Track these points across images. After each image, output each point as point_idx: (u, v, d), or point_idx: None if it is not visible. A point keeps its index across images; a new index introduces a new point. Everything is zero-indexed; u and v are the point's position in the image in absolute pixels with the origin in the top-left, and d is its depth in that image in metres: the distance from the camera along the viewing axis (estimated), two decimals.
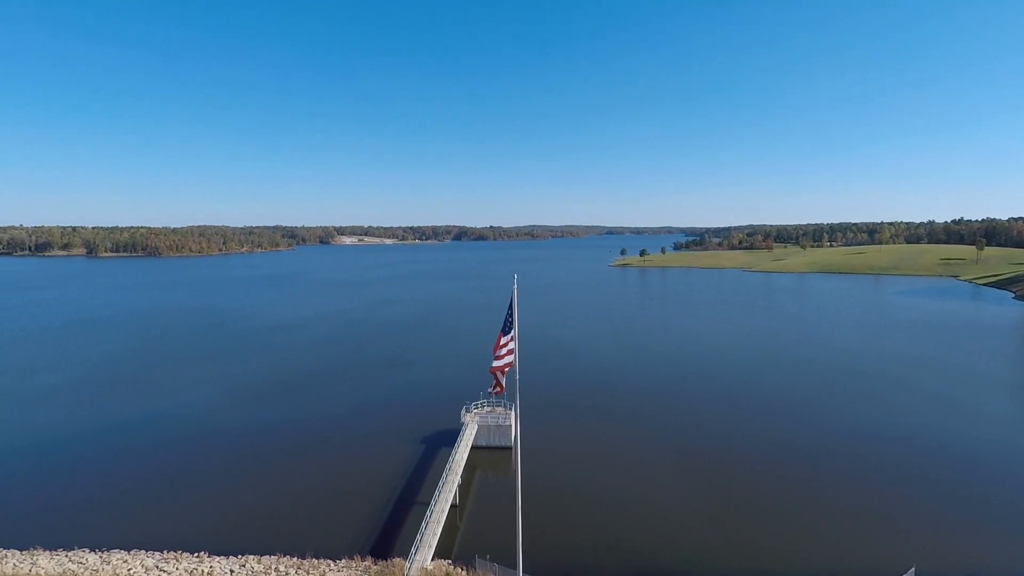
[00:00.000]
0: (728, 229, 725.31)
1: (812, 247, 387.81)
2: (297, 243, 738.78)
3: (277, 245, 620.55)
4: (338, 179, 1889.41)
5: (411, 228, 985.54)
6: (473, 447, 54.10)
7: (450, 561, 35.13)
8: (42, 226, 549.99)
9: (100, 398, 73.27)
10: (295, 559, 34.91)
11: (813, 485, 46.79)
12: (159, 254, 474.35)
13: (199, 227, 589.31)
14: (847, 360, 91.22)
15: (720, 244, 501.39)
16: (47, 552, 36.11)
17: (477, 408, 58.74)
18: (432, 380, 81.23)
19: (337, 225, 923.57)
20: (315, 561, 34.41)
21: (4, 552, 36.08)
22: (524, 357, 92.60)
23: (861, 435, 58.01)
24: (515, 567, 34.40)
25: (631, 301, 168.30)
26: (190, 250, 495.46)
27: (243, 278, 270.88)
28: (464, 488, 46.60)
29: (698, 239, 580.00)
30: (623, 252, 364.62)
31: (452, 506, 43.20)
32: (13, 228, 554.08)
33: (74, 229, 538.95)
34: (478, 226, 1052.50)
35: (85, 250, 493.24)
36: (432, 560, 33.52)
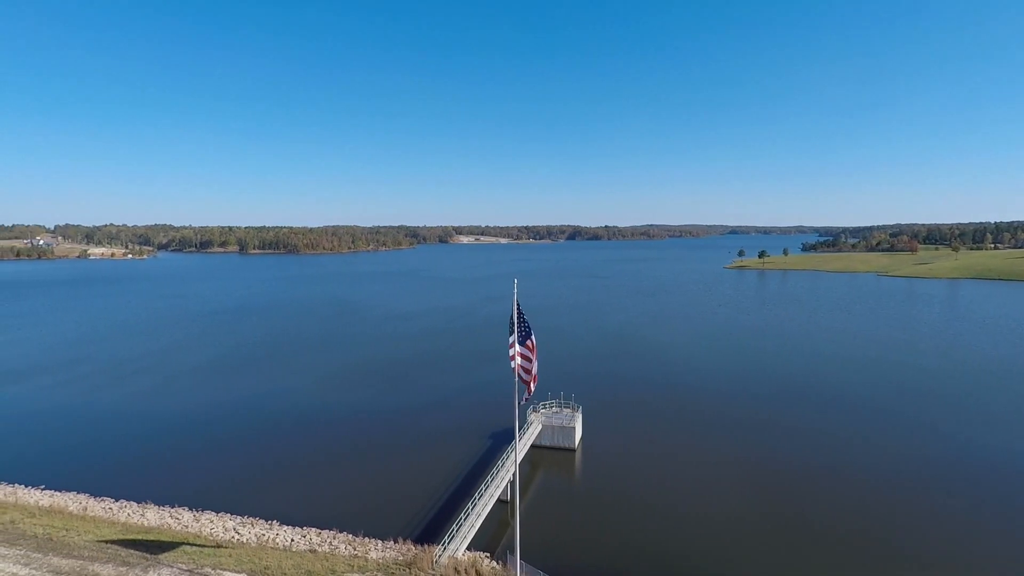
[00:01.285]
0: (868, 229, 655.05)
1: (971, 249, 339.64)
2: (418, 242, 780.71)
3: (399, 244, 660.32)
4: (457, 180, 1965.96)
5: (525, 228, 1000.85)
6: (537, 446, 55.00)
7: (487, 554, 36.25)
8: (206, 226, 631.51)
9: (222, 377, 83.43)
10: (348, 535, 37.98)
11: (916, 528, 41.94)
12: (297, 251, 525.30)
13: (332, 227, 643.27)
14: (986, 378, 79.68)
15: (855, 246, 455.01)
16: (155, 506, 42.41)
17: (545, 407, 59.33)
18: (500, 373, 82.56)
19: (455, 225, 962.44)
20: (364, 540, 37.22)
21: (123, 503, 42.94)
22: (611, 358, 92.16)
23: (995, 471, 50.74)
24: (551, 568, 34.86)
25: (737, 306, 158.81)
26: (323, 248, 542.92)
27: (367, 273, 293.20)
28: (522, 486, 47.45)
29: (831, 240, 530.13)
30: (741, 253, 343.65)
31: (502, 502, 44.38)
32: (184, 228, 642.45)
33: (230, 229, 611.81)
34: (592, 225, 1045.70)
35: (238, 247, 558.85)
36: (467, 551, 34.86)
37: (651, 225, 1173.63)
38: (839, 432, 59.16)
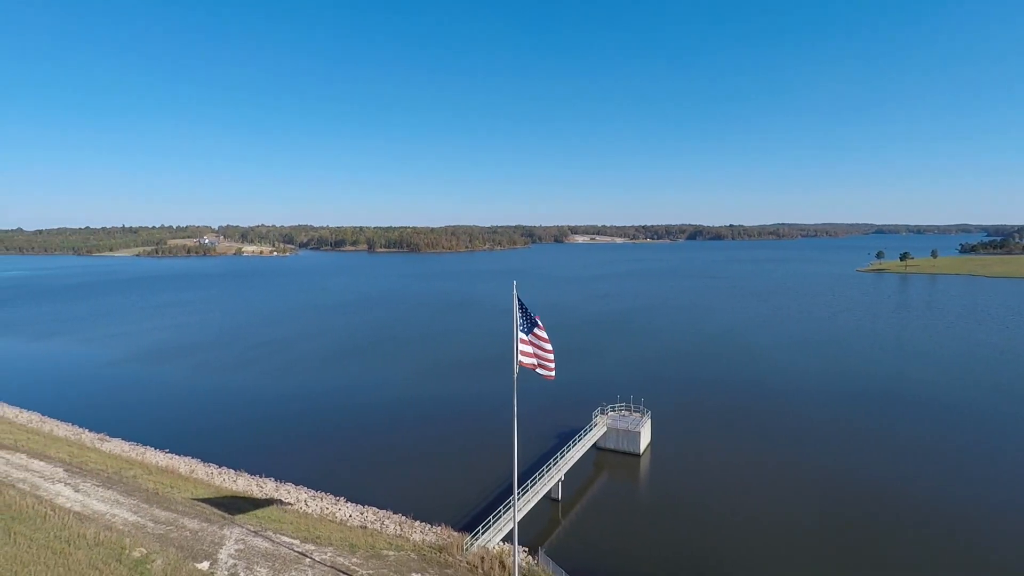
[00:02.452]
0: None
1: None
2: (533, 241, 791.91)
3: (514, 243, 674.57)
4: (572, 180, 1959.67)
5: (643, 227, 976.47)
6: (601, 448, 54.78)
7: (525, 549, 37.15)
8: (340, 227, 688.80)
9: (331, 364, 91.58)
10: (400, 517, 40.79)
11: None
12: (418, 250, 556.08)
13: (451, 227, 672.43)
14: None
15: None
16: (247, 474, 48.30)
17: (614, 410, 58.75)
18: (596, 374, 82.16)
19: (571, 224, 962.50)
20: (413, 522, 39.78)
21: (223, 469, 49.41)
22: (702, 362, 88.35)
23: None
24: (589, 571, 35.17)
25: (859, 312, 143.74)
26: (442, 247, 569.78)
27: (481, 271, 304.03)
28: (579, 488, 47.70)
29: (999, 240, 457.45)
30: (879, 255, 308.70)
31: (553, 500, 45.00)
32: (321, 228, 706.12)
33: (360, 229, 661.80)
34: (715, 225, 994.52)
35: (367, 246, 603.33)
36: (502, 543, 36.06)
37: (781, 224, 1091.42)
38: (951, 461, 52.37)
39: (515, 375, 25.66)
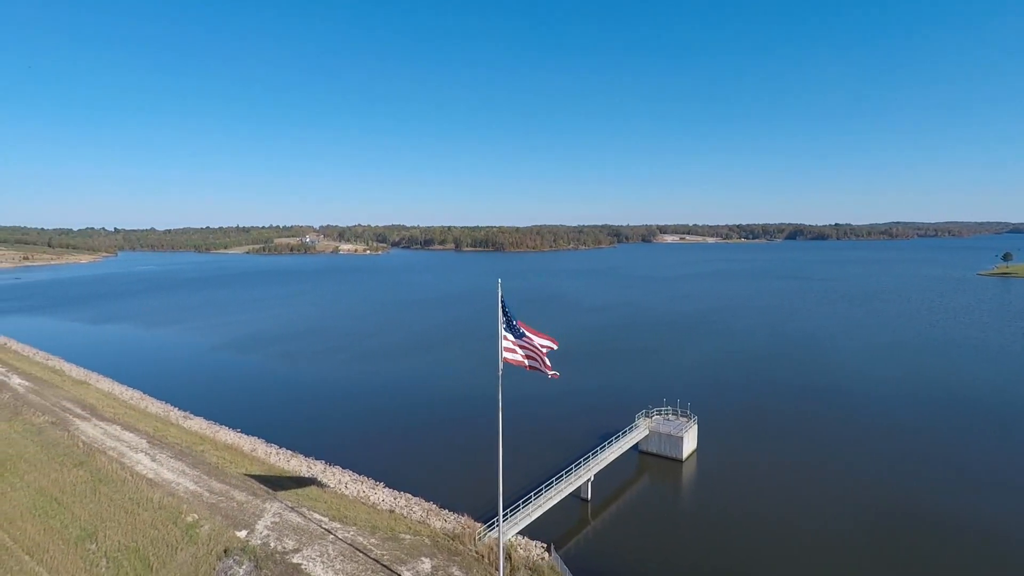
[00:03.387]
0: None
1: None
2: (619, 241, 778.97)
3: (600, 243, 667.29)
4: (661, 178, 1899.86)
5: (737, 226, 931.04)
6: (644, 452, 53.88)
7: (543, 544, 37.55)
8: (429, 227, 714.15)
9: (400, 357, 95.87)
10: (430, 504, 42.47)
11: None
12: (503, 249, 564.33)
13: (536, 227, 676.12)
14: None
15: None
16: (301, 456, 52.04)
17: (659, 413, 57.46)
18: (654, 376, 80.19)
19: (659, 224, 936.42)
20: (439, 510, 41.32)
21: (280, 449, 53.63)
22: (770, 368, 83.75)
23: None
24: (593, 570, 35.20)
25: (968, 321, 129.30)
26: (527, 246, 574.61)
27: (562, 270, 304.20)
28: (616, 489, 47.25)
29: None
30: (1006, 257, 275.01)
31: (583, 500, 44.99)
32: (412, 228, 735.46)
33: (448, 229, 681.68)
34: (817, 224, 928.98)
35: (454, 245, 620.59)
36: (518, 536, 36.74)
37: (895, 223, 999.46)
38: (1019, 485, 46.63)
39: (499, 371, 26.27)
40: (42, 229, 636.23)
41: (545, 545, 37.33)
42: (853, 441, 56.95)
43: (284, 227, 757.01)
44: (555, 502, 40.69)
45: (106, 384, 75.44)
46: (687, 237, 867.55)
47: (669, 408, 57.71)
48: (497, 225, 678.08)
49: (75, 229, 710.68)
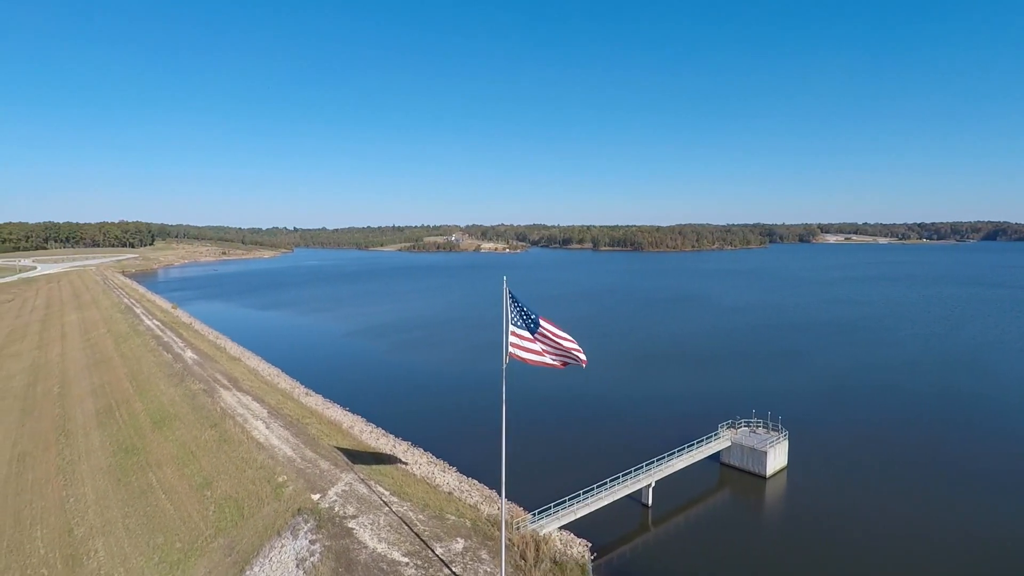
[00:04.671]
0: None
1: None
2: (772, 241, 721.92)
3: (748, 243, 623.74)
4: (822, 172, 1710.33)
5: (918, 225, 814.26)
6: (726, 465, 51.19)
7: (587, 543, 37.71)
8: (569, 226, 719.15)
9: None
10: (492, 491, 44.49)
11: None
12: (641, 248, 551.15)
13: (678, 226, 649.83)
14: None
15: None
16: (391, 436, 56.96)
17: (748, 424, 53.87)
18: (759, 383, 74.49)
19: (821, 222, 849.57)
20: (494, 496, 43.20)
21: (372, 427, 59.07)
22: (901, 385, 73.56)
23: None
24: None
25: None
26: (666, 246, 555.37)
27: (702, 270, 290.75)
28: (685, 499, 45.61)
29: None
30: None
31: (644, 505, 44.09)
32: (552, 227, 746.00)
33: (587, 228, 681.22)
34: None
35: (591, 244, 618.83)
36: (558, 531, 37.32)
37: None
38: None
39: (503, 367, 27.26)
40: (239, 228, 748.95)
41: (589, 544, 37.54)
42: (987, 482, 48.69)
43: (433, 226, 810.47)
44: (605, 503, 40.51)
45: (254, 361, 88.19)
46: (853, 237, 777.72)
47: (760, 421, 53.86)
48: (637, 224, 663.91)
49: (264, 228, 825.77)
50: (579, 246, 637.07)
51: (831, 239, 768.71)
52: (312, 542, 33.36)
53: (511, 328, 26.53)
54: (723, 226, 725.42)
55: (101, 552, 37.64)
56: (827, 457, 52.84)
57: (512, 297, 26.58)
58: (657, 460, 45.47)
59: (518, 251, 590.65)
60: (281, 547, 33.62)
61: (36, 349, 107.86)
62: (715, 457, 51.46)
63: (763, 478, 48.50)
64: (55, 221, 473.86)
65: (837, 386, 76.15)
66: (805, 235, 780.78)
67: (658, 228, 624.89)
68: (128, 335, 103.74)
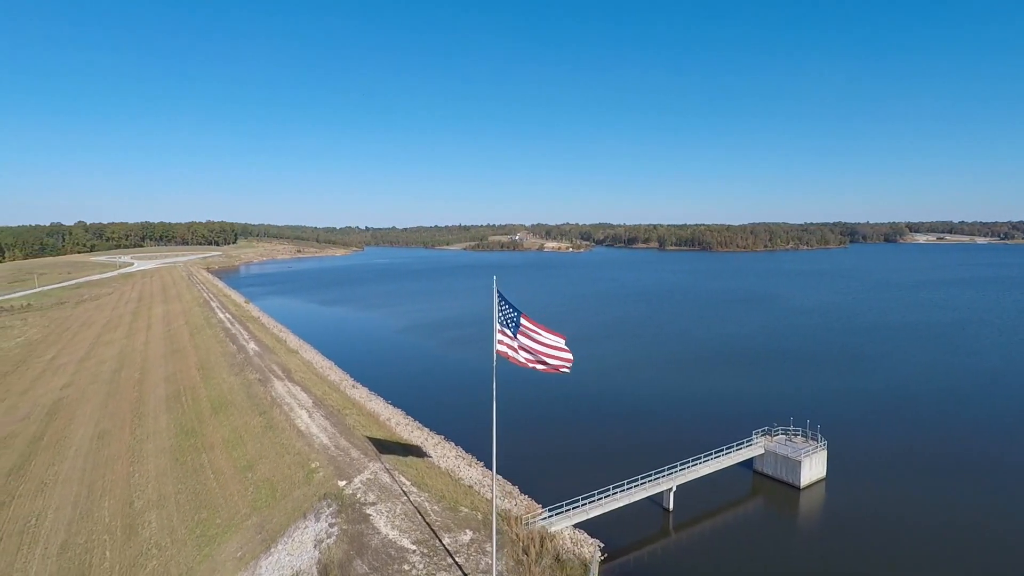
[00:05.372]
0: None
1: None
2: (853, 240, 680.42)
3: (826, 243, 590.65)
4: (910, 168, 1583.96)
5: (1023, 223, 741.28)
6: (759, 472, 49.64)
7: (601, 543, 37.83)
8: (635, 224, 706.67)
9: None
10: (513, 487, 45.41)
11: None
12: (710, 248, 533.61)
13: (750, 225, 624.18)
14: None
15: None
16: (426, 429, 58.83)
17: (785, 432, 51.85)
18: (806, 389, 71.06)
19: (909, 221, 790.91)
20: (518, 495, 43.98)
21: (408, 420, 61.16)
22: (974, 396, 67.94)
23: None
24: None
25: None
26: (736, 246, 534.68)
27: (771, 271, 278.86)
28: (714, 505, 44.67)
29: None
30: None
31: (665, 509, 43.58)
32: (617, 226, 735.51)
33: (654, 227, 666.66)
34: None
35: (657, 243, 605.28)
36: (569, 529, 37.64)
37: None
38: None
39: (493, 363, 27.94)
40: (314, 228, 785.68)
41: (601, 545, 37.67)
42: None
43: (498, 225, 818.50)
44: (620, 505, 40.38)
45: (310, 354, 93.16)
46: (947, 237, 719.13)
47: (798, 429, 51.70)
48: (705, 224, 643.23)
49: (338, 228, 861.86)
50: (644, 245, 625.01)
51: (921, 239, 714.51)
52: (331, 525, 35.42)
53: (498, 327, 27.24)
54: (799, 225, 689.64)
55: (154, 523, 41.44)
56: (870, 471, 50.02)
57: (501, 297, 27.28)
58: (681, 464, 44.75)
59: (581, 250, 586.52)
60: (304, 528, 35.91)
61: (125, 338, 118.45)
62: (748, 465, 49.97)
63: (796, 488, 46.66)
64: (151, 221, 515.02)
65: (896, 396, 71.57)
66: (891, 234, 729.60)
67: (728, 227, 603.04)
68: (202, 327, 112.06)
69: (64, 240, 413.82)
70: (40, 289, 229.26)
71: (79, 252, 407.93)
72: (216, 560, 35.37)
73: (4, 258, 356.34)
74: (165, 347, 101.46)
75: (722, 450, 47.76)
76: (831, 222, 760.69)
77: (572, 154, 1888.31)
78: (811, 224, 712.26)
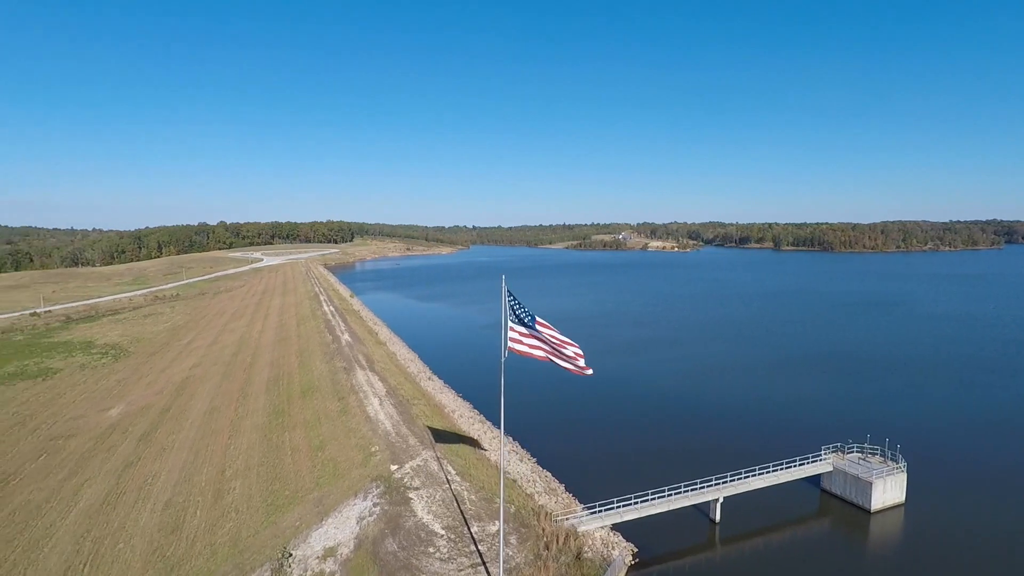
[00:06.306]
0: None
1: None
2: (1011, 241, 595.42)
3: (975, 243, 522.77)
4: None
5: None
6: (827, 491, 46.39)
7: (634, 548, 37.56)
8: (748, 223, 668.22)
9: (650, 349, 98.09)
10: (559, 484, 46.10)
11: None
12: (831, 249, 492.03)
13: (881, 223, 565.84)
14: None
15: None
16: (487, 423, 60.84)
17: (859, 449, 47.77)
18: (912, 407, 64.26)
19: None
20: (562, 492, 44.59)
21: (473, 414, 63.36)
22: None
23: None
24: None
25: None
26: (863, 246, 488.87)
27: (906, 275, 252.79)
28: (769, 521, 42.51)
29: None
30: None
31: (712, 521, 42.13)
32: (729, 225, 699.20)
33: (769, 226, 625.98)
34: None
35: (772, 243, 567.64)
36: (603, 529, 37.66)
37: None
38: None
39: (502, 361, 28.82)
40: (424, 227, 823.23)
41: (634, 549, 37.44)
42: None
43: (602, 224, 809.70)
44: (657, 511, 39.57)
45: (397, 346, 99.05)
46: None
47: (877, 448, 47.44)
48: (828, 222, 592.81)
49: (447, 226, 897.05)
50: (758, 245, 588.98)
51: None
52: (375, 505, 38.30)
53: (510, 324, 28.17)
54: (942, 223, 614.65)
55: (237, 490, 46.90)
56: (958, 501, 44.74)
57: (511, 295, 28.22)
58: (732, 475, 42.95)
59: (688, 250, 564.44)
60: (353, 505, 39.12)
61: (246, 326, 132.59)
62: (814, 482, 46.79)
63: (866, 512, 42.98)
64: (279, 221, 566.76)
65: (1012, 424, 62.89)
66: None
67: (854, 226, 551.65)
68: (307, 318, 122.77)
69: (208, 238, 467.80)
70: (187, 281, 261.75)
71: (219, 249, 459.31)
72: (278, 527, 39.53)
73: (161, 253, 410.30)
74: (275, 335, 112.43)
75: (781, 464, 45.08)
76: (983, 220, 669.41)
77: (681, 151, 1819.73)
78: (956, 222, 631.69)
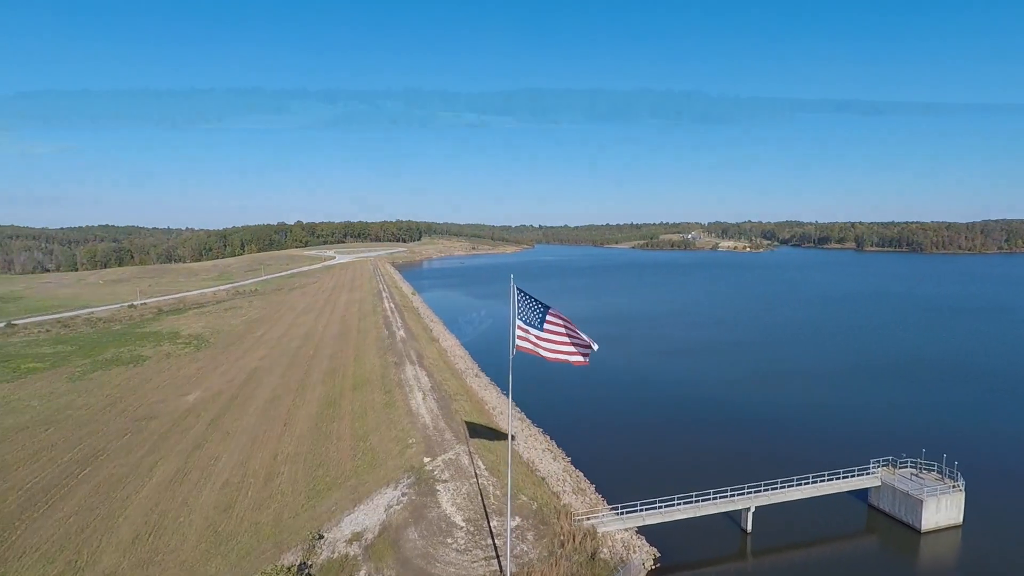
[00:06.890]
0: None
1: None
2: None
3: None
4: None
5: None
6: (875, 508, 43.97)
7: (656, 553, 37.17)
8: (828, 223, 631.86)
9: (698, 356, 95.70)
10: (589, 485, 46.18)
11: None
12: (921, 250, 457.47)
13: (980, 222, 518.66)
14: None
15: None
16: (525, 420, 61.53)
17: (914, 464, 44.79)
18: (978, 421, 59.27)
19: None
20: (587, 489, 44.66)
21: (511, 407, 64.21)
22: None
23: None
24: None
25: None
26: (958, 247, 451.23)
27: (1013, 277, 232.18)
28: (806, 535, 40.83)
29: None
30: None
31: (743, 530, 40.94)
32: (807, 224, 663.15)
33: (851, 225, 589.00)
34: None
35: (854, 243, 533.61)
36: (628, 533, 37.49)
37: None
38: None
39: (510, 359, 29.31)
40: (491, 226, 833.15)
41: (657, 553, 37.10)
42: None
43: (671, 224, 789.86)
44: (681, 516, 38.84)
45: (449, 343, 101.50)
46: None
47: (933, 464, 44.37)
48: (918, 221, 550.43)
49: (513, 226, 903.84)
50: (838, 245, 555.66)
51: None
52: (403, 495, 39.94)
53: (518, 323, 28.70)
54: None
55: (285, 475, 50.03)
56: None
57: (521, 293, 28.75)
58: (766, 484, 41.54)
59: (761, 250, 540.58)
60: (384, 494, 40.97)
61: (313, 320, 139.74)
62: (861, 496, 44.42)
63: (916, 532, 40.35)
64: (351, 220, 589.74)
65: None
66: None
67: (948, 225, 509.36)
68: (368, 314, 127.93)
69: (286, 236, 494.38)
70: (265, 277, 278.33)
71: (296, 247, 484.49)
72: (316, 511, 41.99)
73: (244, 251, 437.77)
74: (338, 329, 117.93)
75: (823, 475, 43.08)
76: None
77: (757, 147, 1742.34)
78: None
